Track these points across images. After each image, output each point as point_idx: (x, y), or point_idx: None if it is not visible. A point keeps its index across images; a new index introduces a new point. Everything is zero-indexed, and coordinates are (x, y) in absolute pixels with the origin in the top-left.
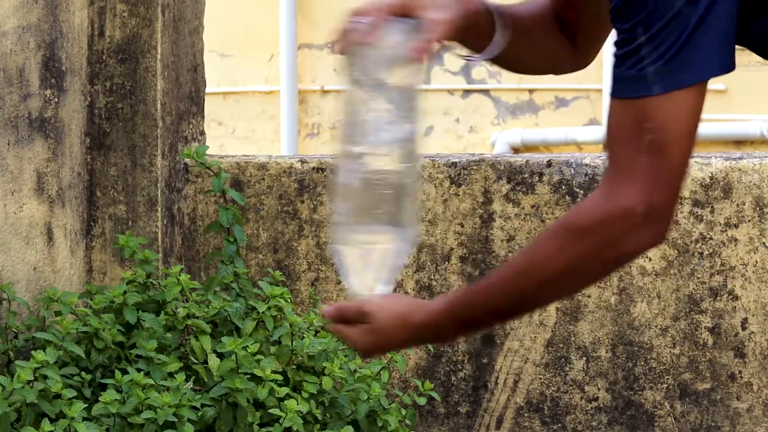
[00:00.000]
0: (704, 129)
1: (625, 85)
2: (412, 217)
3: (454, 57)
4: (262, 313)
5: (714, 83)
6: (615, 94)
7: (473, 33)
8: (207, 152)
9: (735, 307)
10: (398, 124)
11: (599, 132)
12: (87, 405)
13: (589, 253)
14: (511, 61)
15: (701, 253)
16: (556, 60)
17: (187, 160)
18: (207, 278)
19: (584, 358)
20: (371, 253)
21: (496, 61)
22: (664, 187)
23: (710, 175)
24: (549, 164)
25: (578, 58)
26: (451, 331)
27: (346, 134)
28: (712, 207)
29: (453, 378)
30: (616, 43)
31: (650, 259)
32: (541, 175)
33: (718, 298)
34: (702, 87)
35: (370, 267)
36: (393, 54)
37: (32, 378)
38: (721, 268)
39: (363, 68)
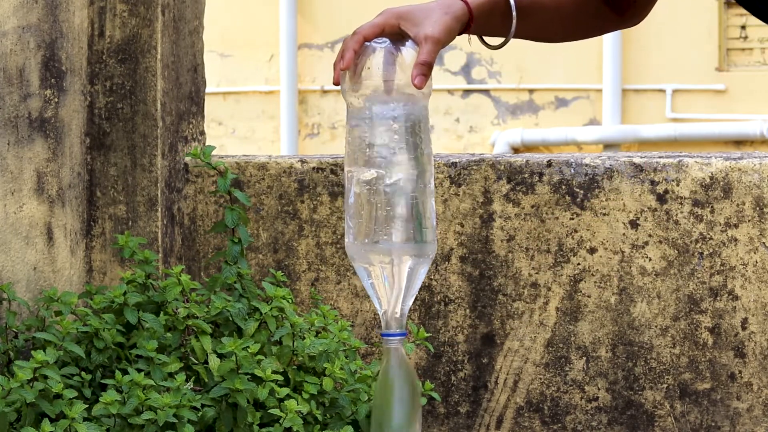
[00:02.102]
0: (704, 129)
1: None
2: (430, 232)
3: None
4: (265, 314)
5: (714, 83)
6: None
7: (488, 22)
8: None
9: (735, 307)
10: (404, 142)
11: (599, 132)
12: (87, 405)
13: None
14: (537, 36)
15: (701, 253)
16: (589, 27)
17: (187, 159)
18: (210, 278)
19: (584, 358)
20: (392, 269)
21: (523, 37)
22: None
23: (710, 174)
24: (549, 164)
25: (621, 22)
26: None
27: (353, 155)
28: (712, 207)
29: (453, 378)
30: None
31: (650, 259)
32: (541, 175)
33: (718, 298)
34: None
35: (392, 283)
36: (389, 77)
37: (32, 378)
38: (721, 268)
39: (363, 89)
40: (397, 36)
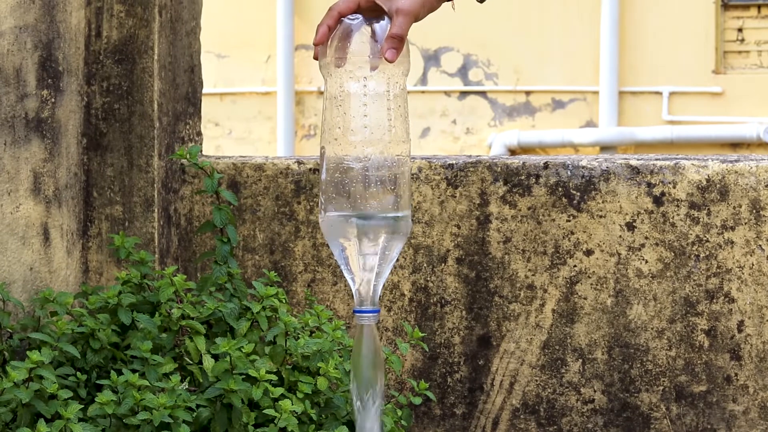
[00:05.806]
0: (701, 131)
1: None
2: (404, 209)
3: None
4: (257, 313)
5: (711, 86)
6: None
7: None
8: (204, 153)
9: (731, 309)
10: (377, 118)
11: (596, 134)
12: (83, 406)
13: None
14: None
15: (697, 256)
16: None
17: (183, 160)
18: (201, 278)
19: (580, 360)
20: (365, 245)
21: None
22: None
23: (707, 177)
24: (545, 166)
25: None
26: None
27: (328, 131)
28: (708, 209)
29: (449, 379)
30: None
31: (646, 261)
32: (537, 177)
33: (714, 301)
34: None
35: (365, 259)
36: (364, 53)
37: (27, 378)
38: (718, 270)
39: (337, 65)
40: (373, 12)
